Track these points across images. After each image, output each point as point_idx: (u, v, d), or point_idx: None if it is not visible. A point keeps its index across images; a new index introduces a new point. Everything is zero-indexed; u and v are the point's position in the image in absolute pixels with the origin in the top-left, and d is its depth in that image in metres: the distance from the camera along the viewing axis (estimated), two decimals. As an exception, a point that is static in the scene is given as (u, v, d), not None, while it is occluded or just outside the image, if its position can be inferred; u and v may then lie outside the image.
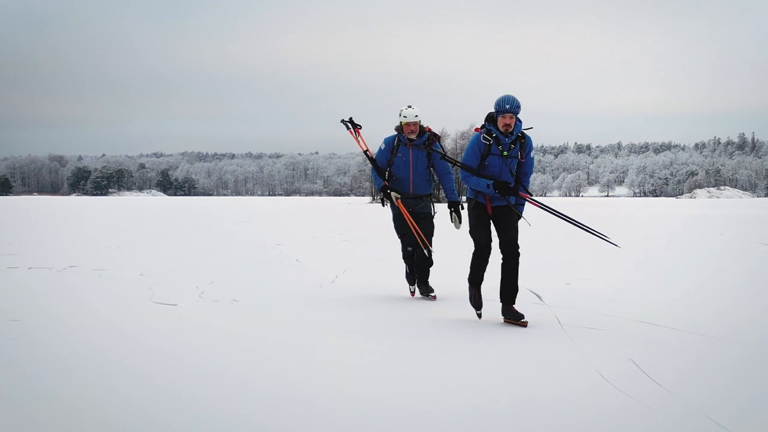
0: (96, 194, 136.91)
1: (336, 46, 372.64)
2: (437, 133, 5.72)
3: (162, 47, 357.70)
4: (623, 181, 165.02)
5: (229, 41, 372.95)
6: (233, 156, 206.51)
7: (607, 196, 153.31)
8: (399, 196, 5.57)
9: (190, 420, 2.54)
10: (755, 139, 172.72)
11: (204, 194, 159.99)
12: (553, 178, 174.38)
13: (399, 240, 5.86)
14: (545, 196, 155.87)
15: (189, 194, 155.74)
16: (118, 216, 24.45)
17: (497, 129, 4.51)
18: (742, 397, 2.89)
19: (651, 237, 13.02)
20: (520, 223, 4.73)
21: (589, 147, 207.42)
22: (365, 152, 5.89)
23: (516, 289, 4.66)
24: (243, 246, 11.26)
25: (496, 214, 4.68)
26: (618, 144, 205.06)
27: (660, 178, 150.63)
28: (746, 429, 2.52)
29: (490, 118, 4.58)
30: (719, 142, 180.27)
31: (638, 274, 7.13)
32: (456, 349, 3.84)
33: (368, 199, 72.63)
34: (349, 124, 6.05)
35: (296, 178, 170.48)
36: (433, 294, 5.71)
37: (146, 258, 9.00)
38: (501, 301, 4.70)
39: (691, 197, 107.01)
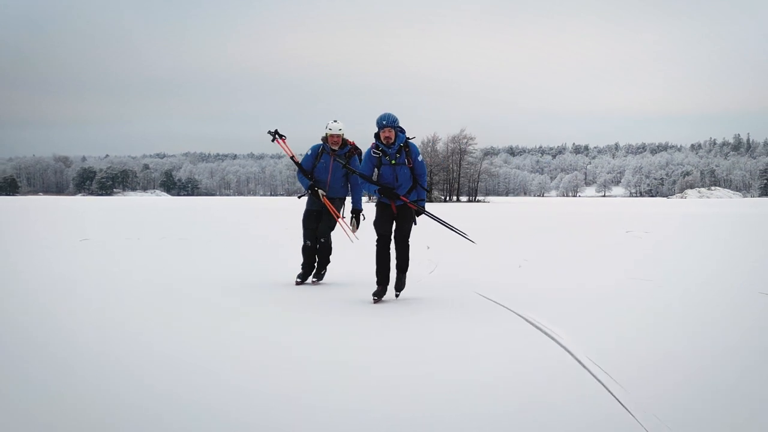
0: (101, 194, 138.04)
1: (336, 46, 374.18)
2: (358, 147, 6.41)
3: (162, 47, 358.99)
4: (620, 182, 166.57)
5: (229, 41, 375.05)
6: (235, 156, 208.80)
7: (604, 196, 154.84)
8: (325, 193, 6.29)
9: (189, 420, 2.51)
10: (750, 140, 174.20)
11: (207, 194, 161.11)
12: (551, 178, 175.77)
13: (303, 234, 6.43)
14: (543, 196, 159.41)
15: (192, 194, 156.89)
16: (147, 212, 27.92)
17: (381, 143, 5.24)
18: (744, 405, 2.82)
19: (644, 237, 13.33)
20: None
21: (586, 148, 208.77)
22: (292, 158, 6.51)
23: (406, 264, 5.46)
24: (264, 225, 16.41)
25: (399, 212, 5.41)
26: (615, 145, 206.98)
27: (655, 179, 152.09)
28: None
29: (377, 135, 5.26)
30: (715, 143, 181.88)
31: (638, 274, 7.07)
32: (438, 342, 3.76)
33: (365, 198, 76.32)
34: (276, 135, 6.60)
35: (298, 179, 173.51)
36: (318, 279, 6.46)
37: (203, 232, 14.21)
38: (397, 270, 5.47)
39: (681, 197, 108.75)
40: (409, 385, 2.99)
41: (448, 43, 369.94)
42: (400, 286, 5.51)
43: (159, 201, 68.58)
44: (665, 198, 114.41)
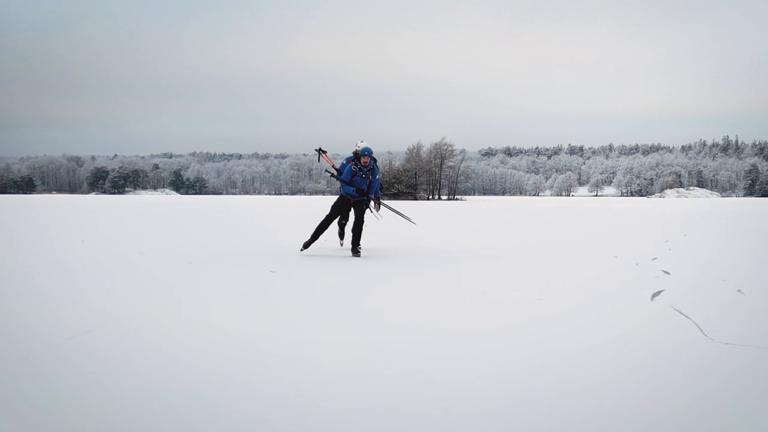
0: (114, 193, 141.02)
1: (336, 46, 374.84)
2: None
3: (163, 48, 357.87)
4: (612, 182, 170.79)
5: (230, 42, 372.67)
6: (240, 156, 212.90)
7: (596, 195, 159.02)
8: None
9: (190, 420, 2.48)
10: (739, 142, 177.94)
11: (214, 193, 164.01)
12: (545, 178, 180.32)
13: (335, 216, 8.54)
14: (537, 195, 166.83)
15: (200, 193, 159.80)
16: (173, 209, 31.06)
17: (360, 163, 8.01)
18: (743, 406, 2.77)
19: (633, 236, 13.34)
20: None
21: (581, 149, 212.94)
22: (332, 167, 8.72)
23: (358, 242, 8.06)
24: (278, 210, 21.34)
25: (355, 204, 8.24)
26: (609, 146, 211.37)
27: (645, 179, 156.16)
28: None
29: (357, 156, 8.04)
30: (705, 144, 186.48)
31: (638, 272, 7.03)
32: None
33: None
34: (319, 151, 9.00)
35: (301, 178, 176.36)
36: (359, 249, 8.19)
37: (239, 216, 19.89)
38: (352, 244, 8.10)
39: (660, 196, 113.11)
40: (403, 384, 2.94)
41: (449, 43, 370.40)
42: (356, 246, 8.11)
43: (173, 199, 68.75)
44: (645, 197, 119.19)
